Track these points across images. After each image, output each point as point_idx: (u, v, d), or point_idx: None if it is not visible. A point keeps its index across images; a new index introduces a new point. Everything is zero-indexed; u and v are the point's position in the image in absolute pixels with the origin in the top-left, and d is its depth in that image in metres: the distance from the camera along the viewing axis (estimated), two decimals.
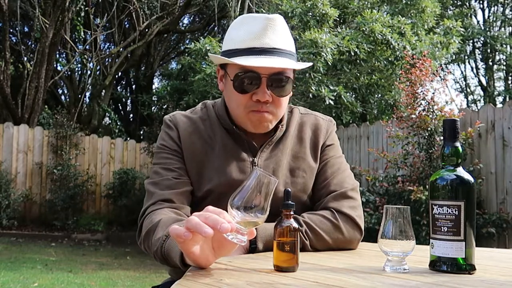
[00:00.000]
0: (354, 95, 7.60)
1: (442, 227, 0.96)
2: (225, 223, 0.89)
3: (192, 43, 7.22)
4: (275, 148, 1.42)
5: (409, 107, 5.30)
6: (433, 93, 5.30)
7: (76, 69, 12.86)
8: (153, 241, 1.19)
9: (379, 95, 7.94)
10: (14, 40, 11.85)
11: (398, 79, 6.62)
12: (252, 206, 0.93)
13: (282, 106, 1.37)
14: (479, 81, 15.48)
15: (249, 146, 1.40)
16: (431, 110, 5.22)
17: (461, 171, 0.98)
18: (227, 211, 0.94)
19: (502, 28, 14.80)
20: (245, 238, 0.94)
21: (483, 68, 15.18)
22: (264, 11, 8.36)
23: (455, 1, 14.21)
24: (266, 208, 0.94)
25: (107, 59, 12.28)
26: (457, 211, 0.95)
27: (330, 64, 6.29)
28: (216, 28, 13.26)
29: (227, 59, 1.30)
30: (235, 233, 0.92)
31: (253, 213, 0.93)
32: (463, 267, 0.95)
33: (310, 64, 1.44)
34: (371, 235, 4.15)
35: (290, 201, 0.99)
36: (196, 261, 0.98)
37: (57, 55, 12.10)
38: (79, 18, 11.03)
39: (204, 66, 6.92)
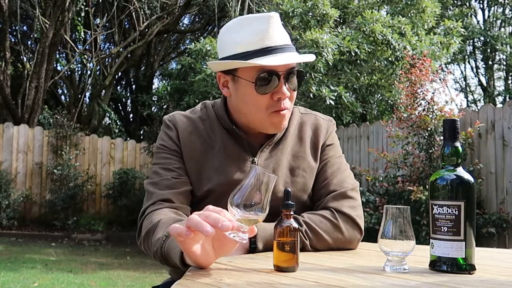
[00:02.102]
0: (354, 95, 7.60)
1: (442, 227, 0.96)
2: (225, 221, 0.89)
3: (193, 43, 7.22)
4: (275, 148, 1.42)
5: (409, 107, 5.30)
6: (433, 93, 5.31)
7: (76, 69, 12.86)
8: (153, 241, 1.19)
9: (379, 95, 7.94)
10: (14, 40, 11.85)
11: (398, 79, 6.62)
12: (252, 203, 0.93)
13: (294, 100, 1.39)
14: (479, 81, 15.49)
15: (249, 146, 1.40)
16: (431, 110, 5.22)
17: (461, 171, 0.98)
18: (227, 210, 0.94)
19: (502, 28, 14.81)
20: (246, 235, 0.94)
21: (483, 68, 15.19)
22: (265, 10, 8.36)
23: (455, 1, 14.21)
24: (266, 205, 0.94)
25: (107, 59, 12.29)
26: (457, 211, 0.95)
27: (330, 64, 6.29)
28: (216, 28, 13.25)
29: (250, 62, 1.27)
30: (236, 231, 0.92)
31: (253, 211, 0.93)
32: (463, 267, 0.95)
33: (313, 56, 1.45)
34: (371, 235, 4.14)
35: (290, 201, 0.99)
36: (197, 260, 0.97)
37: (57, 55, 12.10)
38: (79, 18, 11.04)
39: (204, 66, 6.92)
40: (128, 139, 11.18)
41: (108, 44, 14.15)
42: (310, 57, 1.38)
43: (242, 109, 1.38)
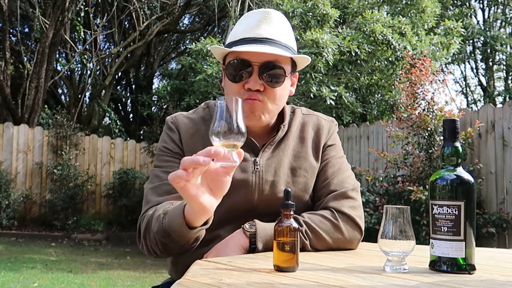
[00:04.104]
0: (354, 95, 7.60)
1: (442, 227, 0.96)
2: (216, 148, 0.92)
3: (193, 43, 7.22)
4: (277, 148, 1.42)
5: (409, 107, 5.30)
6: (433, 93, 5.31)
7: (76, 69, 12.86)
8: (152, 225, 1.20)
9: (380, 95, 7.94)
10: (14, 40, 11.85)
11: (398, 79, 6.62)
12: (230, 130, 0.96)
13: (276, 98, 1.36)
14: (479, 81, 15.50)
15: (251, 145, 1.40)
16: (431, 110, 5.22)
17: (461, 171, 0.98)
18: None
19: (502, 28, 14.81)
20: (236, 158, 0.97)
21: (483, 68, 15.20)
22: None
23: (455, 1, 14.21)
24: (242, 128, 0.97)
25: (107, 59, 12.28)
26: (457, 211, 0.95)
27: (331, 64, 6.29)
28: (216, 28, 13.26)
29: (220, 47, 1.34)
30: (226, 159, 0.96)
31: (232, 138, 0.96)
32: (463, 267, 0.95)
33: (305, 56, 1.41)
34: (371, 235, 4.15)
35: (290, 201, 0.99)
36: (201, 204, 0.99)
37: (57, 55, 12.10)
38: (79, 18, 11.03)
39: (205, 66, 6.92)
40: (128, 139, 11.18)
41: (108, 44, 14.16)
42: (292, 55, 1.36)
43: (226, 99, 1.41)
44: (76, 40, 12.54)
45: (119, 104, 14.48)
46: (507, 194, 5.18)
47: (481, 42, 14.12)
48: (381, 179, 5.55)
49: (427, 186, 4.80)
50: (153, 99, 12.86)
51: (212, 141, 0.96)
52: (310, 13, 6.86)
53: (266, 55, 1.30)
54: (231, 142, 0.96)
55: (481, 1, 14.94)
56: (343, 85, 6.76)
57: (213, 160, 0.94)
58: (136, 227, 1.33)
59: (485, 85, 15.03)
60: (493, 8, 14.81)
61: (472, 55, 14.87)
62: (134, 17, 11.01)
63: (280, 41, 1.33)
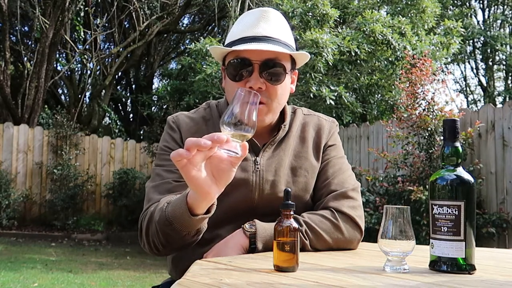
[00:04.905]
0: (354, 95, 7.60)
1: (442, 227, 0.96)
2: (220, 135, 0.93)
3: (193, 43, 7.22)
4: (277, 148, 1.42)
5: (409, 107, 5.30)
6: (433, 93, 5.30)
7: (76, 69, 12.85)
8: (155, 214, 1.20)
9: (380, 95, 7.94)
10: (14, 40, 11.85)
11: (398, 79, 6.62)
12: (242, 121, 0.97)
13: (278, 97, 1.36)
14: (479, 81, 15.50)
15: (252, 145, 1.40)
16: (431, 110, 5.22)
17: (461, 171, 0.98)
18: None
19: (502, 28, 14.81)
20: (239, 150, 0.98)
21: (483, 68, 15.20)
22: None
23: (455, 1, 14.22)
24: (255, 122, 0.98)
25: (107, 59, 12.28)
26: (457, 211, 0.95)
27: (330, 64, 6.29)
28: (216, 28, 13.26)
29: (220, 47, 1.35)
30: (229, 148, 0.96)
31: (243, 129, 0.97)
32: (463, 267, 0.95)
33: (304, 52, 1.40)
34: (371, 235, 4.15)
35: (290, 201, 0.99)
36: (201, 187, 1.00)
37: (57, 55, 12.09)
38: (79, 18, 11.04)
39: (204, 66, 6.92)
40: (128, 139, 11.18)
41: (108, 44, 14.14)
42: (292, 51, 1.36)
43: (227, 98, 1.42)
44: (76, 40, 12.53)
45: (119, 104, 14.48)
46: (507, 194, 5.18)
47: (481, 42, 14.12)
48: (381, 179, 5.54)
49: (427, 186, 4.80)
50: (153, 99, 12.85)
51: (223, 129, 0.97)
52: (310, 13, 6.86)
53: (266, 53, 1.31)
54: (240, 133, 0.97)
55: (481, 1, 14.94)
56: (343, 85, 6.76)
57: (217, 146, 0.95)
58: (138, 226, 1.33)
59: (485, 85, 15.03)
60: (493, 8, 14.81)
61: (472, 55, 14.88)
62: (134, 17, 11.01)
63: (279, 39, 1.34)
